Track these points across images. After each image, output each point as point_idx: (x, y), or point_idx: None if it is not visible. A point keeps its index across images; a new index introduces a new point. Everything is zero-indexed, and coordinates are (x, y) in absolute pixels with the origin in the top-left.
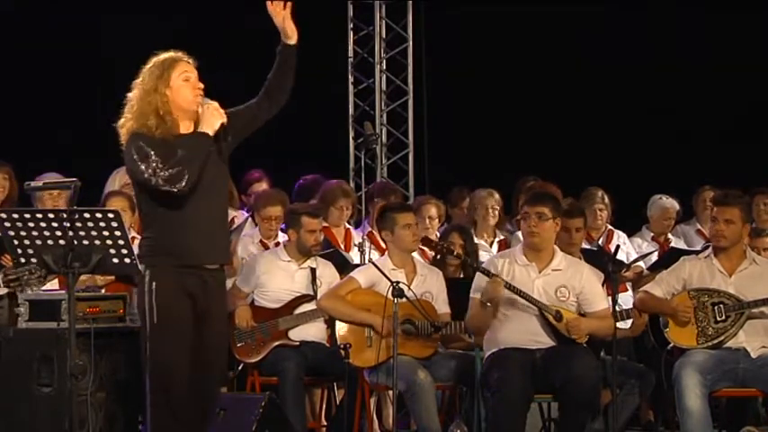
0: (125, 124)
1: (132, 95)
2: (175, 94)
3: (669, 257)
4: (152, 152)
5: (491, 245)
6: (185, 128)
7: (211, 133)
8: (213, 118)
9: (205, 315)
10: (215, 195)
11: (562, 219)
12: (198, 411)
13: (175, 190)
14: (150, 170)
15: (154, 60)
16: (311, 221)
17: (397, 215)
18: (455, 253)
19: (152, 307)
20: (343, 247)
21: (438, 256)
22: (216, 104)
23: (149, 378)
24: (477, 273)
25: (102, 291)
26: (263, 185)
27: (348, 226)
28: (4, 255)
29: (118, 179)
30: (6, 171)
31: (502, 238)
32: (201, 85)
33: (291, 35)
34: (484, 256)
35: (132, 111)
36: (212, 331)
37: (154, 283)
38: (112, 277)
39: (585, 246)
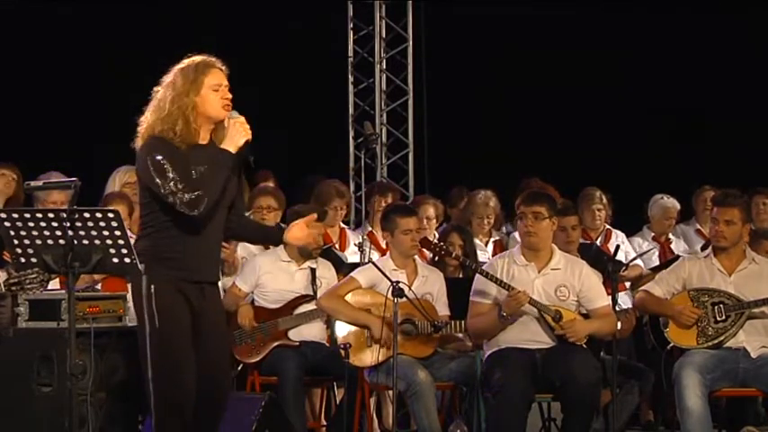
0: (147, 122)
1: (161, 95)
2: (203, 101)
3: (672, 264)
4: (170, 167)
5: (486, 245)
6: (203, 138)
7: (234, 151)
8: (238, 135)
9: (200, 317)
10: (218, 215)
11: (557, 218)
12: (206, 417)
13: (194, 214)
14: (168, 189)
15: (188, 62)
16: (315, 224)
17: (399, 219)
18: (453, 254)
19: (152, 311)
20: (338, 247)
21: (436, 258)
22: (242, 119)
23: (155, 382)
24: (477, 275)
25: (99, 285)
26: (269, 184)
27: (343, 226)
28: (4, 251)
29: (118, 178)
30: (14, 171)
31: (497, 238)
32: (230, 96)
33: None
34: (480, 256)
35: (158, 111)
36: (209, 332)
37: (153, 287)
38: None
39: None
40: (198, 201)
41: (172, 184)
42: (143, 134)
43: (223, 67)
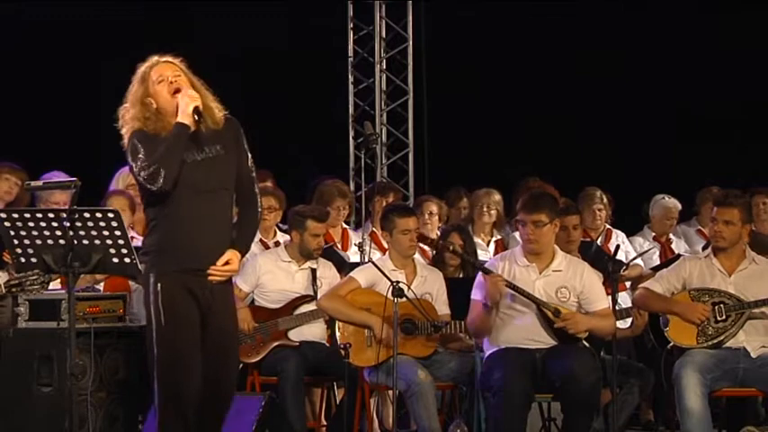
0: (123, 126)
1: (125, 104)
2: (157, 98)
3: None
4: (141, 149)
5: (488, 244)
6: None
7: (188, 122)
8: (186, 106)
9: (208, 314)
10: (220, 197)
11: (559, 219)
12: (211, 414)
13: (155, 189)
14: (136, 168)
15: (137, 71)
16: (317, 226)
17: (398, 219)
18: (452, 249)
19: (158, 309)
20: (340, 246)
21: (435, 253)
22: (190, 91)
23: (159, 381)
24: (479, 273)
25: (102, 284)
26: (267, 184)
27: (345, 226)
28: (5, 252)
29: (122, 179)
30: (18, 176)
31: (499, 238)
32: (174, 79)
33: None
34: (481, 256)
35: (124, 119)
36: (216, 329)
37: (159, 285)
38: None
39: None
40: (155, 175)
41: (139, 162)
42: (124, 135)
43: (166, 58)
